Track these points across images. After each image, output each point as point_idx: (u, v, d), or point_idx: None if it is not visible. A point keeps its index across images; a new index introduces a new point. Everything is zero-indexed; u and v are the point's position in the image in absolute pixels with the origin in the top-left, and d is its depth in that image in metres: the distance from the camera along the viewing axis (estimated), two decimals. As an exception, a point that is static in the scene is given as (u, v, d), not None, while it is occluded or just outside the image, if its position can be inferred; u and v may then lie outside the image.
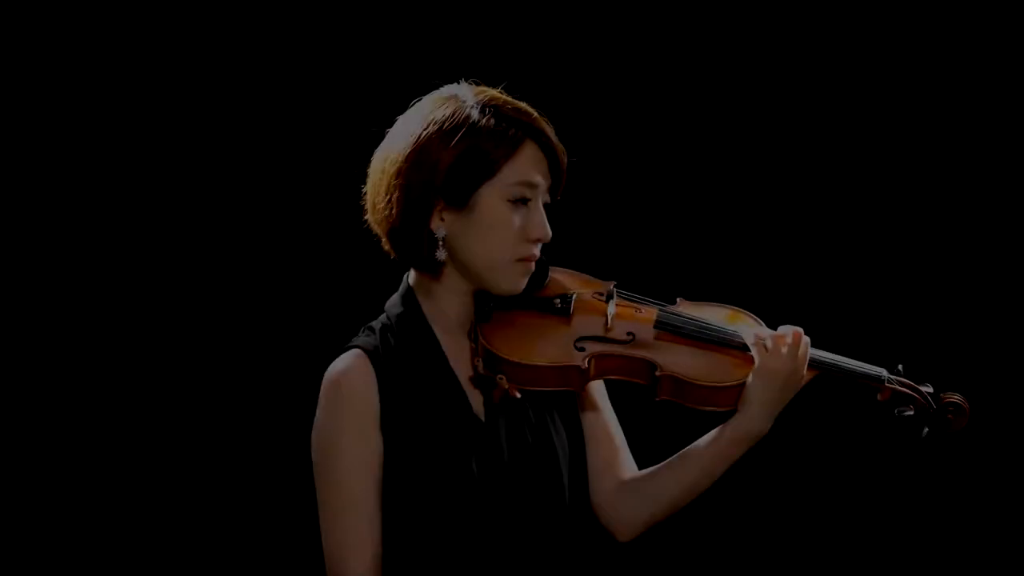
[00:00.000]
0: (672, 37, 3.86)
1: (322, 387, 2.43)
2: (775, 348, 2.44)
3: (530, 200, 2.44)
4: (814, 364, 2.48)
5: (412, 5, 3.79)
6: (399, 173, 2.43)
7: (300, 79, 3.76)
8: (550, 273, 2.55)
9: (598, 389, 2.59)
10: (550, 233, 2.46)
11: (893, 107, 3.84)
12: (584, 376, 2.44)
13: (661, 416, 2.76)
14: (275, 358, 3.74)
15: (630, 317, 2.50)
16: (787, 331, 2.46)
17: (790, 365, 2.43)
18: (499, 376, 2.42)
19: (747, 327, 2.49)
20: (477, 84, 2.50)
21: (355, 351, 2.44)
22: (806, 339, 2.46)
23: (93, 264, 3.72)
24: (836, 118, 3.86)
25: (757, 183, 3.87)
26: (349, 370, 2.42)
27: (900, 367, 2.50)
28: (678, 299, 2.57)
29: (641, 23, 3.85)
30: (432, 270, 2.47)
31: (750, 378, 2.44)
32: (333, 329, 2.65)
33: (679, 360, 2.46)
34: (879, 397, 2.50)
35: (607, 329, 2.48)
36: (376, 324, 2.49)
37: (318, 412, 2.43)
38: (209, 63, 3.73)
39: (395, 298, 2.52)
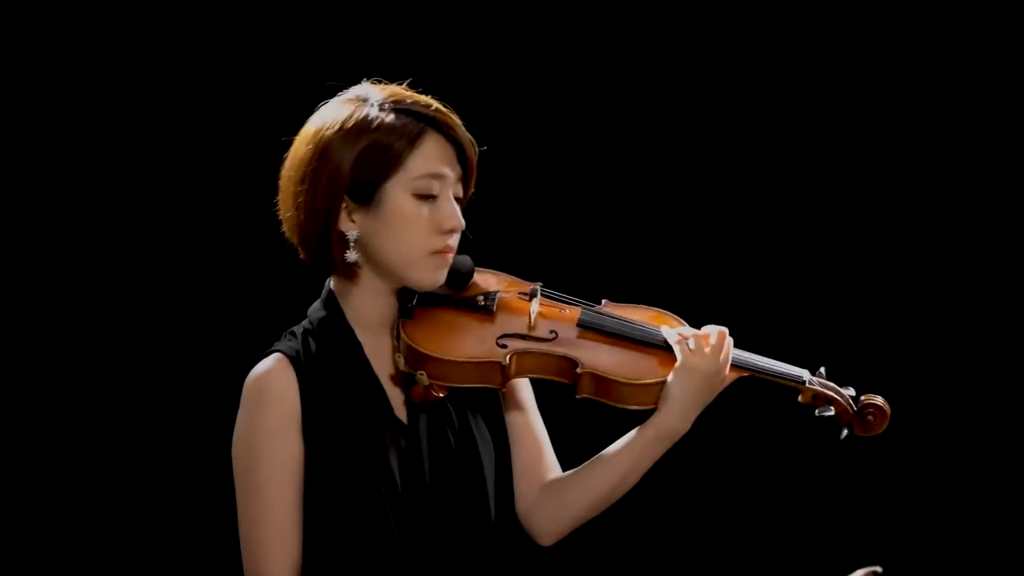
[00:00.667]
0: (602, 31, 3.85)
1: (243, 391, 2.43)
2: (698, 347, 2.43)
3: (438, 193, 2.42)
4: (737, 364, 2.47)
5: (311, 10, 3.79)
6: (303, 178, 2.42)
7: (215, 91, 3.77)
8: (476, 274, 2.54)
9: (524, 390, 2.57)
10: (462, 222, 2.45)
11: (817, 102, 3.84)
12: (505, 373, 2.43)
13: (588, 417, 2.74)
14: (199, 364, 3.75)
15: (554, 316, 2.50)
16: (711, 330, 2.45)
17: (712, 364, 2.42)
18: (419, 372, 2.42)
19: (670, 327, 2.48)
20: (380, 82, 2.48)
21: (276, 355, 2.43)
22: (730, 339, 2.45)
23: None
24: (759, 111, 3.85)
25: (682, 187, 3.86)
26: (269, 373, 2.41)
27: (822, 369, 2.49)
28: (603, 300, 2.56)
29: (566, 17, 3.85)
30: (347, 273, 2.46)
31: (671, 376, 2.43)
32: (258, 335, 2.64)
33: (600, 358, 2.45)
34: (800, 399, 2.48)
35: (530, 327, 2.47)
36: (298, 328, 2.48)
37: (239, 415, 2.42)
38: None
39: (317, 303, 2.51)
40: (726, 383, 2.46)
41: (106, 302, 3.76)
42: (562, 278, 2.65)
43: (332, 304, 2.48)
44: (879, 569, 2.23)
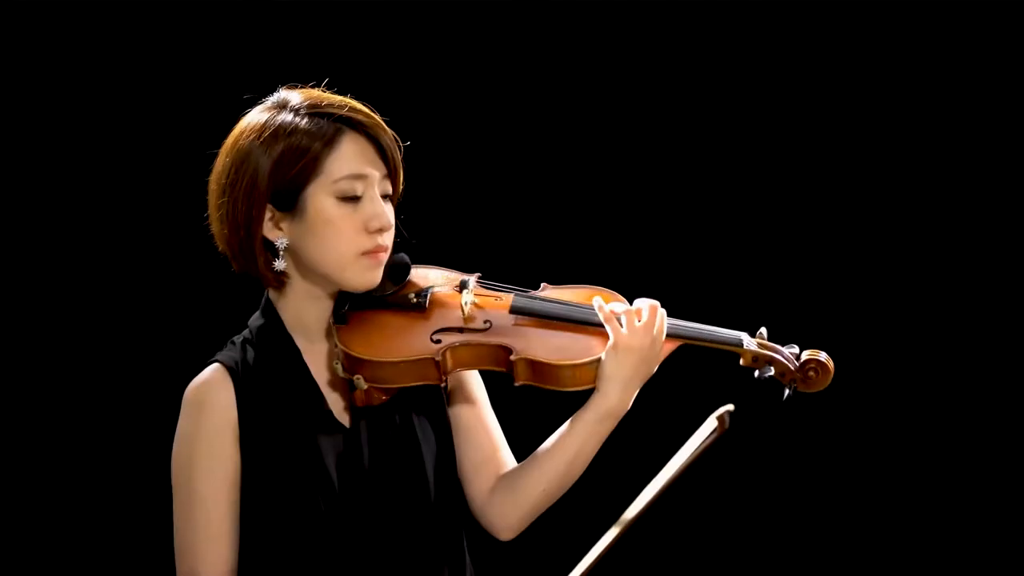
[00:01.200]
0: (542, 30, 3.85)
1: (182, 401, 2.42)
2: (629, 323, 2.38)
3: (362, 193, 2.40)
4: (671, 335, 2.42)
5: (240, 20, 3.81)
6: (223, 191, 2.42)
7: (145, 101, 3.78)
8: (413, 269, 2.52)
9: (473, 386, 2.54)
10: (390, 221, 2.42)
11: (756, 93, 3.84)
12: (441, 368, 2.40)
13: (539, 407, 2.71)
14: (146, 374, 3.75)
15: (488, 306, 2.47)
16: (642, 305, 2.40)
17: (644, 340, 2.37)
18: (356, 377, 2.39)
19: (605, 305, 2.43)
20: (297, 87, 2.47)
21: (214, 366, 2.43)
22: (662, 311, 2.40)
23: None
24: (685, 96, 3.85)
25: (618, 164, 3.85)
26: (206, 384, 2.41)
27: (763, 330, 2.45)
28: (543, 284, 2.53)
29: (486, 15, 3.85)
30: (275, 281, 2.44)
31: (604, 355, 2.38)
32: (200, 345, 2.64)
33: (534, 343, 2.41)
34: (741, 362, 2.44)
35: (464, 320, 2.44)
36: (238, 338, 2.47)
37: (178, 425, 2.42)
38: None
39: (257, 312, 2.50)
40: (663, 355, 2.41)
41: (54, 304, 3.78)
42: (502, 267, 2.63)
43: (270, 312, 2.47)
44: (731, 407, 2.25)
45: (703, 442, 2.28)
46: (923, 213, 3.83)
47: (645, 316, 2.38)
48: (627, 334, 2.37)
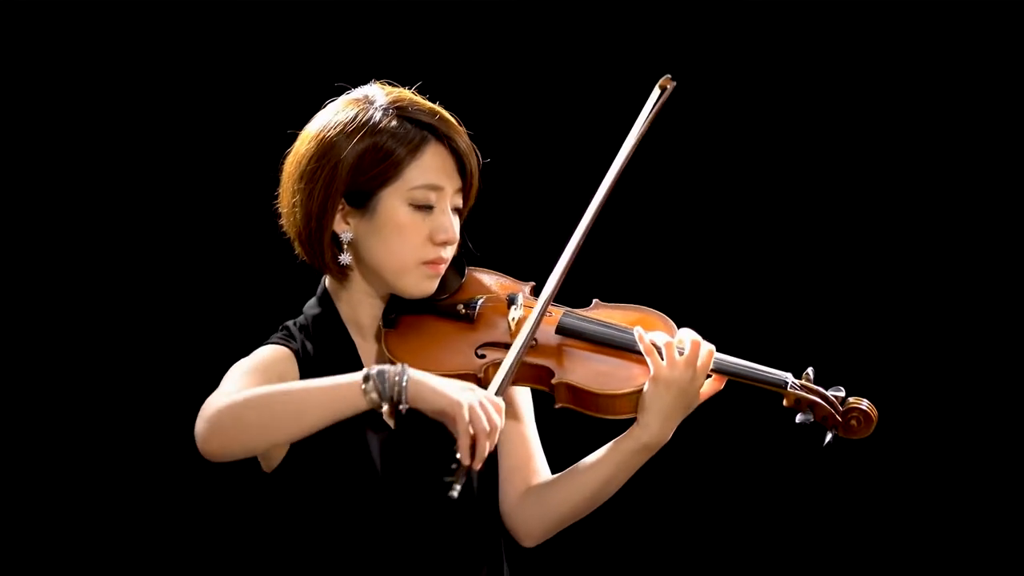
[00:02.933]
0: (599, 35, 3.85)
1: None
2: (669, 356, 2.36)
3: (435, 204, 2.42)
4: (716, 370, 2.40)
5: (324, 10, 3.80)
6: (302, 176, 2.43)
7: (219, 85, 3.78)
8: (469, 274, 2.53)
9: (520, 395, 2.54)
10: (456, 236, 2.44)
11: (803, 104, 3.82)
12: (483, 384, 2.37)
13: (579, 420, 2.72)
14: (192, 359, 3.76)
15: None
16: (684, 337, 2.39)
17: (685, 375, 2.35)
18: None
19: (654, 332, 2.41)
20: (390, 84, 2.48)
21: (279, 347, 2.43)
22: (708, 347, 2.38)
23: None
24: (739, 116, 3.83)
25: (675, 188, 3.84)
26: (276, 352, 2.41)
27: (809, 371, 2.42)
28: (594, 300, 2.52)
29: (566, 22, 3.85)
30: (339, 274, 2.46)
31: (646, 387, 2.37)
32: (246, 333, 2.63)
33: (576, 367, 2.40)
34: (784, 403, 2.41)
35: (511, 336, 2.43)
36: (293, 325, 2.48)
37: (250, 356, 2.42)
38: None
39: (313, 300, 2.51)
40: (709, 392, 2.40)
41: (98, 300, 3.79)
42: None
43: (327, 303, 2.49)
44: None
45: (653, 109, 2.42)
46: (981, 251, 3.82)
47: (687, 350, 2.36)
48: (667, 367, 2.36)
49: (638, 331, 2.40)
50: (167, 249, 3.81)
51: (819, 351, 2.57)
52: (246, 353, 2.45)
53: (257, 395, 2.23)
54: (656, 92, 2.47)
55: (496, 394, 2.27)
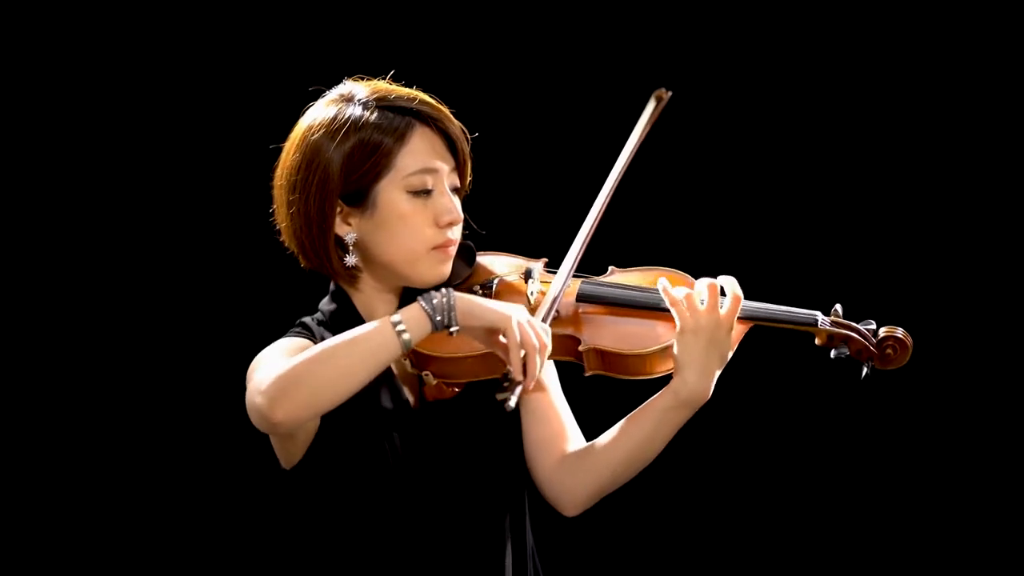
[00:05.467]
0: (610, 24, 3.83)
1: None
2: (691, 305, 2.32)
3: (433, 187, 2.39)
4: (743, 316, 2.36)
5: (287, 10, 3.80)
6: (294, 187, 2.40)
7: (202, 100, 3.79)
8: (478, 258, 2.50)
9: (545, 370, 2.49)
10: (460, 215, 2.41)
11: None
12: None
13: (616, 393, 2.69)
14: (198, 365, 3.77)
15: None
16: (701, 285, 2.35)
17: (711, 321, 2.31)
18: (425, 373, 2.38)
19: (673, 288, 2.38)
20: (363, 79, 2.45)
21: (305, 341, 2.40)
22: (732, 291, 2.34)
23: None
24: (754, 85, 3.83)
25: (682, 139, 3.82)
26: (297, 341, 2.39)
27: (838, 307, 2.39)
28: (610, 268, 2.50)
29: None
30: (348, 278, 2.43)
31: (675, 342, 2.33)
32: (250, 341, 2.60)
33: (603, 331, 2.38)
34: (816, 342, 2.38)
35: (531, 310, 2.39)
36: (310, 320, 2.46)
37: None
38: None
39: (327, 298, 2.48)
40: (737, 337, 2.36)
41: (101, 306, 3.80)
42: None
43: (343, 299, 2.45)
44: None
45: (649, 119, 2.40)
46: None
47: (706, 297, 2.33)
48: (691, 317, 2.32)
49: (663, 283, 2.37)
50: (163, 255, 3.82)
51: (846, 289, 2.54)
52: (257, 351, 2.42)
53: (311, 354, 2.23)
54: (652, 103, 2.44)
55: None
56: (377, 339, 2.22)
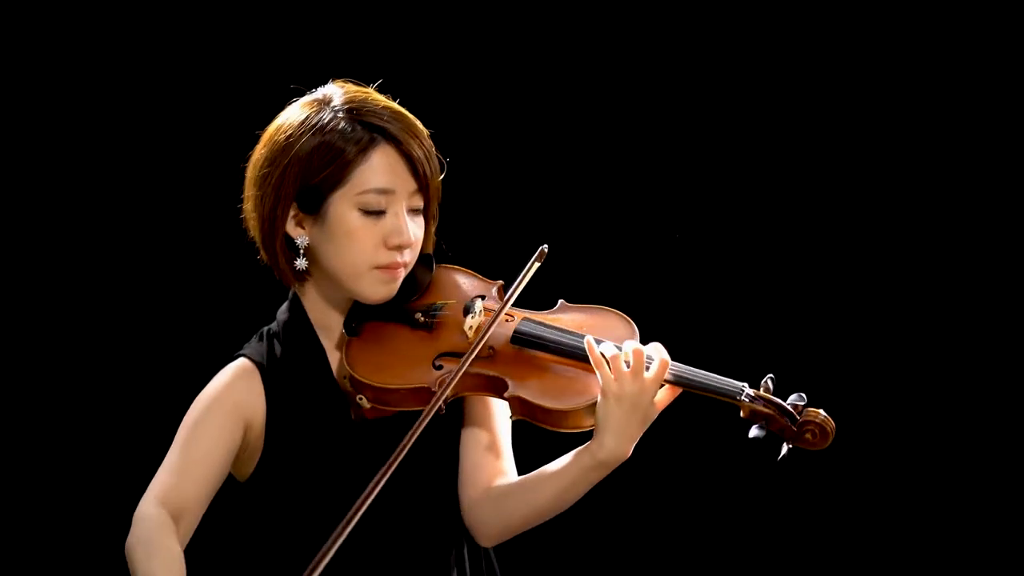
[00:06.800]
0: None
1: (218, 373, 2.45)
2: (616, 368, 2.27)
3: (386, 208, 2.39)
4: (668, 380, 2.31)
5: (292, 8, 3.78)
6: (255, 181, 2.44)
7: (188, 87, 3.78)
8: (438, 272, 2.50)
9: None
10: (410, 239, 2.40)
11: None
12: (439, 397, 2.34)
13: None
14: (171, 364, 3.77)
15: (497, 327, 2.38)
16: (628, 348, 2.29)
17: (633, 386, 2.26)
18: (359, 397, 2.40)
19: (607, 341, 2.33)
20: (351, 83, 2.45)
21: (243, 362, 2.44)
22: (660, 357, 2.29)
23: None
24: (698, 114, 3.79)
25: (645, 191, 3.80)
26: (235, 380, 2.42)
27: (768, 380, 2.31)
28: (560, 301, 2.46)
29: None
30: (296, 279, 2.45)
31: (599, 401, 2.29)
32: (230, 338, 2.64)
33: (530, 380, 2.34)
34: (741, 414, 2.31)
35: (463, 346, 2.38)
36: (267, 331, 2.49)
37: (211, 383, 2.44)
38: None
39: (284, 305, 2.52)
40: (664, 401, 2.31)
41: (79, 304, 3.81)
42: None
43: (297, 307, 2.48)
44: (545, 248, 2.29)
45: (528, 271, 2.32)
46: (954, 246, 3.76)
47: (632, 361, 2.28)
48: (615, 382, 2.27)
49: (588, 340, 2.32)
50: (161, 254, 3.84)
51: (787, 353, 2.50)
52: (230, 353, 2.47)
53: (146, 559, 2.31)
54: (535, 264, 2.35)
55: (441, 404, 2.28)
56: None
